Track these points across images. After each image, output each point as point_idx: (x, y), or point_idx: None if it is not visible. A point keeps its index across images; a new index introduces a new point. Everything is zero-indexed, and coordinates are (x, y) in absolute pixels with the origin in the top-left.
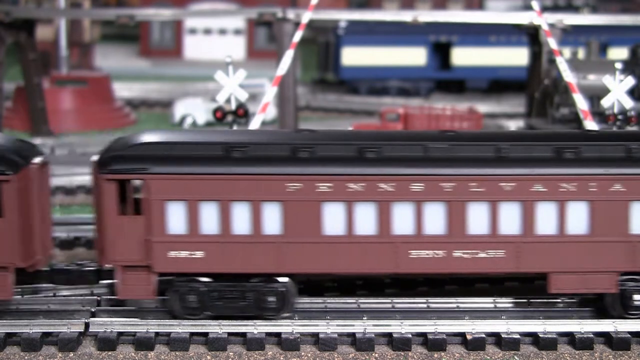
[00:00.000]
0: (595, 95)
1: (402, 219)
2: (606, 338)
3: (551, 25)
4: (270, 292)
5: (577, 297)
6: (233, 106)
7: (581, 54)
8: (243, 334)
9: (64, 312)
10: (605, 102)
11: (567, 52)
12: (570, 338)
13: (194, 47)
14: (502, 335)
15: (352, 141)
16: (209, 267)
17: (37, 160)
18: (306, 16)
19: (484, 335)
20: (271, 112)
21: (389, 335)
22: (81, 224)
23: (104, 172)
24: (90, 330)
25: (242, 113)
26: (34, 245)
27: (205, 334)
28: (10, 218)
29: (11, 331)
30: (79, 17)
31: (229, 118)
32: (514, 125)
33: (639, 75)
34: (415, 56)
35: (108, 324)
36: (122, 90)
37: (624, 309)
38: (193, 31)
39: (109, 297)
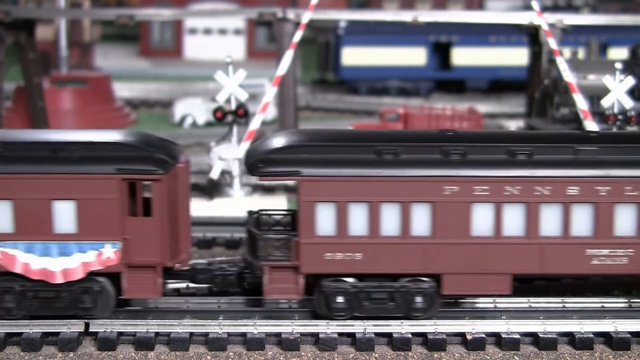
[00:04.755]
0: (595, 95)
1: None
2: (606, 338)
3: (551, 25)
4: None
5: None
6: (233, 106)
7: (581, 54)
8: (243, 334)
9: None
10: (605, 102)
11: (567, 52)
12: (570, 338)
13: (194, 47)
14: (502, 335)
15: None
16: None
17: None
18: (306, 16)
19: (484, 335)
20: (271, 112)
21: (389, 335)
22: None
23: None
24: (90, 330)
25: (242, 113)
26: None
27: (206, 334)
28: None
29: (11, 331)
30: (79, 17)
31: (229, 118)
32: (514, 125)
33: (639, 75)
34: (415, 56)
35: (108, 324)
36: (122, 90)
37: None
38: (193, 31)
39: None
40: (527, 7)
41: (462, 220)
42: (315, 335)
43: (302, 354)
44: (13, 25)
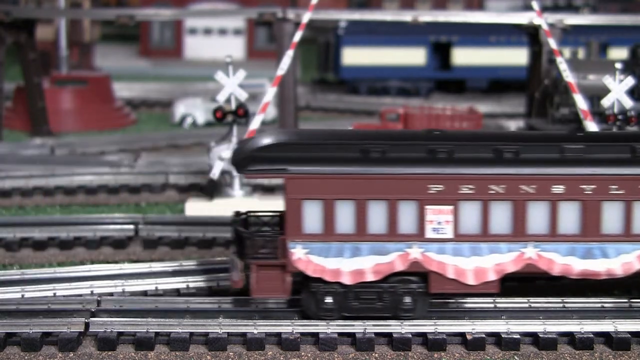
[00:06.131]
0: (595, 95)
1: None
2: (606, 338)
3: (551, 25)
4: None
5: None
6: (233, 106)
7: (581, 54)
8: (243, 334)
9: (64, 312)
10: (605, 102)
11: (567, 52)
12: (570, 338)
13: (194, 47)
14: (502, 335)
15: None
16: None
17: None
18: (306, 16)
19: (484, 335)
20: (271, 112)
21: (389, 335)
22: (82, 224)
23: None
24: (90, 330)
25: (242, 113)
26: None
27: (206, 334)
28: None
29: (11, 331)
30: (79, 17)
31: (229, 118)
32: (514, 125)
33: (639, 75)
34: (415, 56)
35: (108, 324)
36: (122, 90)
37: None
38: (193, 31)
39: (109, 297)
40: (527, 7)
41: None
42: (315, 335)
43: (302, 354)
44: (13, 25)
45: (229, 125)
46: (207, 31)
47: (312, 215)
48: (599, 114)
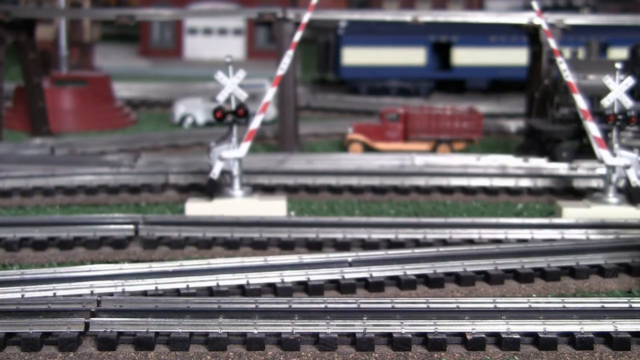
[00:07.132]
0: (595, 95)
1: None
2: (606, 338)
3: (551, 25)
4: None
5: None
6: (233, 106)
7: (581, 54)
8: (243, 334)
9: (64, 312)
10: (605, 102)
11: (567, 52)
12: (570, 338)
13: (194, 47)
14: (502, 335)
15: None
16: None
17: None
18: (306, 16)
19: (484, 335)
20: (271, 112)
21: (389, 335)
22: (82, 224)
23: None
24: (90, 330)
25: (242, 113)
26: None
27: (206, 334)
28: None
29: (11, 331)
30: (79, 17)
31: (229, 118)
32: (513, 125)
33: (639, 75)
34: (415, 56)
35: (108, 324)
36: (122, 90)
37: None
38: (193, 31)
39: (108, 297)
40: (527, 7)
41: None
42: (315, 335)
43: (302, 354)
44: (13, 25)
45: (229, 125)
46: (207, 31)
47: None
48: (599, 114)
